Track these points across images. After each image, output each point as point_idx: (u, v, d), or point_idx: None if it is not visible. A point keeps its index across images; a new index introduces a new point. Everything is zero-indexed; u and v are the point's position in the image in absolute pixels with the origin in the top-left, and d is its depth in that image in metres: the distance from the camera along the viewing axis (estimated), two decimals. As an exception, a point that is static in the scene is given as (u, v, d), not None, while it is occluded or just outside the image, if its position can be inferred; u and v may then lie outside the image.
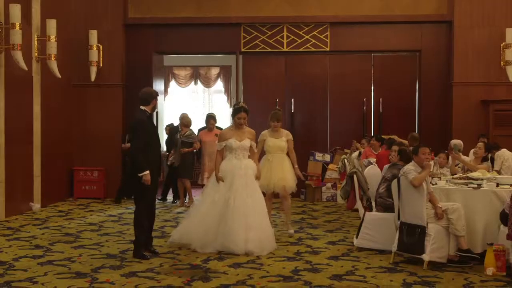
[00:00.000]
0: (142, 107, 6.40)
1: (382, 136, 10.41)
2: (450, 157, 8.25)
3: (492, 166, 8.49)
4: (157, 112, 11.56)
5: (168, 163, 10.65)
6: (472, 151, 8.72)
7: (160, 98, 11.90)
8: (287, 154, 7.74)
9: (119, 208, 10.25)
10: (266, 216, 6.87)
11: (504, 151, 8.66)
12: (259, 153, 7.53)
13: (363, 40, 11.63)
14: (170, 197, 11.29)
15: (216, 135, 10.32)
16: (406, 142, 9.24)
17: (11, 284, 5.29)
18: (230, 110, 14.10)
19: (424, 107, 11.61)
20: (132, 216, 9.31)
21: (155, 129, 6.58)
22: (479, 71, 11.10)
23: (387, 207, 6.70)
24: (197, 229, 6.68)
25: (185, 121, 10.53)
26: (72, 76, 11.31)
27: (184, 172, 10.37)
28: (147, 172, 6.19)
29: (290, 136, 7.81)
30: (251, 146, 6.97)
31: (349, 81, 11.78)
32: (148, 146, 6.27)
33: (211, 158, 10.19)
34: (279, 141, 7.67)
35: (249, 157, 6.96)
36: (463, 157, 8.33)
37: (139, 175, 6.18)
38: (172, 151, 10.57)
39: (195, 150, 10.41)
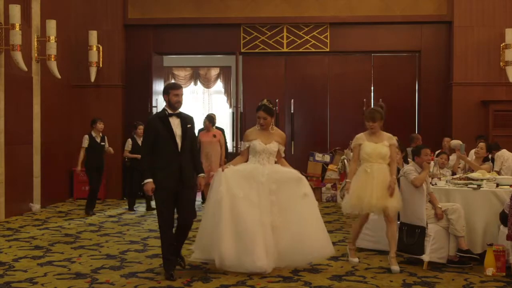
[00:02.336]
0: (164, 106, 5.70)
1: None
2: (448, 157, 8.24)
3: (493, 167, 8.48)
4: (157, 113, 11.58)
5: None
6: (473, 151, 8.71)
7: (159, 98, 11.91)
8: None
9: (118, 208, 10.25)
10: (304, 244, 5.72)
11: (504, 152, 8.66)
12: (355, 162, 6.08)
13: (363, 40, 11.64)
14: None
15: (214, 135, 10.37)
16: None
17: (11, 284, 5.29)
18: (230, 111, 14.23)
19: (424, 107, 11.61)
20: (132, 216, 9.41)
21: (169, 129, 5.50)
22: (479, 71, 11.10)
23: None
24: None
25: None
26: (71, 77, 11.32)
27: None
28: (149, 180, 5.45)
29: (394, 140, 6.18)
30: (278, 151, 5.97)
31: (349, 82, 11.78)
32: (160, 150, 5.47)
33: (207, 158, 10.19)
34: (380, 146, 6.00)
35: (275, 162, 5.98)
36: (469, 158, 8.34)
37: (142, 183, 5.53)
38: None
39: None
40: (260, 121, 5.94)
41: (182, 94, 5.63)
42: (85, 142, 9.54)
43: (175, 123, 5.54)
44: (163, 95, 5.65)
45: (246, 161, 5.97)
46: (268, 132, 5.97)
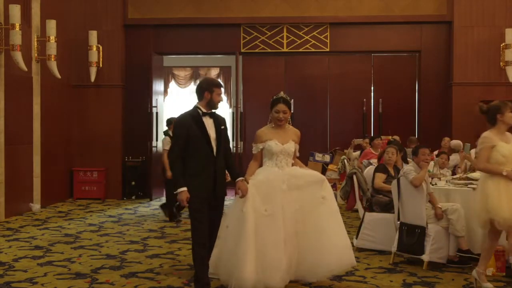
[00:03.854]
0: (196, 104, 4.98)
1: (382, 136, 10.41)
2: (448, 157, 8.24)
3: None
4: (157, 113, 11.59)
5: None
6: (473, 151, 8.71)
7: (159, 98, 11.92)
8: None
9: (118, 208, 10.25)
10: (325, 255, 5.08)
11: None
12: (484, 166, 4.95)
13: (362, 40, 11.64)
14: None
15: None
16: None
17: (11, 284, 5.29)
18: (230, 111, 14.23)
19: (424, 107, 11.62)
20: (132, 216, 9.40)
21: (203, 131, 4.82)
22: (479, 71, 11.10)
23: (383, 206, 6.74)
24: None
25: None
26: (71, 77, 11.32)
27: None
28: (183, 189, 4.70)
29: None
30: (294, 151, 5.35)
31: (349, 82, 11.79)
32: (193, 153, 4.79)
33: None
34: None
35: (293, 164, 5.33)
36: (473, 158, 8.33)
37: (174, 192, 4.82)
38: None
39: None
40: (279, 116, 5.25)
41: None
42: (168, 144, 8.57)
43: (209, 124, 4.87)
44: (203, 91, 4.87)
45: (260, 165, 5.30)
46: (284, 130, 5.33)
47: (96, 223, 8.72)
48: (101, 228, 8.26)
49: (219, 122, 4.95)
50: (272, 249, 4.88)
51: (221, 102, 4.95)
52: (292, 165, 5.28)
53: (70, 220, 8.99)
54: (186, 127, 4.79)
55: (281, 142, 5.22)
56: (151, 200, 11.21)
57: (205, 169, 4.79)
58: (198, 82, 5.17)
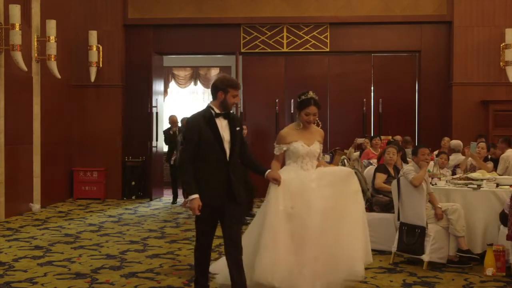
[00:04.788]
0: (210, 103, 4.61)
1: (382, 136, 10.41)
2: (448, 157, 8.23)
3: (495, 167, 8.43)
4: (157, 113, 11.59)
5: (172, 163, 10.73)
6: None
7: (159, 98, 11.92)
8: None
9: (118, 208, 10.25)
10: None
11: (509, 153, 8.52)
12: None
13: (363, 40, 11.64)
14: (170, 197, 11.32)
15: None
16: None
17: (11, 284, 5.29)
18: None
19: (424, 107, 11.61)
20: (132, 216, 9.40)
21: (216, 133, 4.44)
22: (479, 71, 11.10)
23: (383, 206, 6.74)
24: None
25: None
26: (71, 77, 11.32)
27: None
28: (195, 196, 4.34)
29: None
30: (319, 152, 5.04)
31: (349, 82, 11.78)
32: (204, 157, 4.42)
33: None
34: None
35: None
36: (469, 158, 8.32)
37: (185, 200, 4.75)
38: (174, 152, 10.75)
39: None
40: (309, 118, 4.93)
41: None
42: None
43: (223, 125, 4.49)
44: (217, 91, 4.51)
45: (281, 166, 4.98)
46: (309, 131, 5.01)
47: (96, 223, 8.72)
48: (101, 228, 8.26)
49: (234, 123, 4.55)
50: (287, 247, 4.60)
51: (236, 103, 4.55)
52: (316, 166, 4.99)
53: (70, 220, 8.99)
54: (197, 128, 4.43)
55: (307, 144, 4.91)
56: (151, 200, 11.21)
57: (216, 175, 4.43)
58: (215, 79, 4.83)
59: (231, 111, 4.57)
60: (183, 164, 4.46)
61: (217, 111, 4.49)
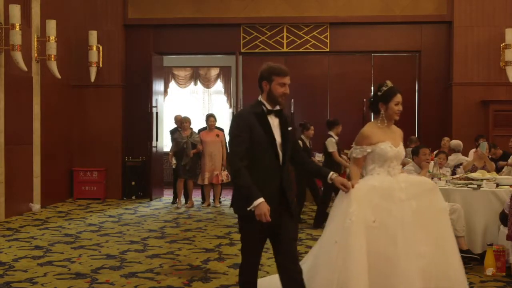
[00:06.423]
0: (259, 98, 3.90)
1: None
2: (446, 156, 8.22)
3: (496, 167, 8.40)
4: (157, 113, 11.58)
5: (173, 166, 10.60)
6: (472, 151, 8.70)
7: (159, 98, 11.92)
8: None
9: (118, 208, 10.25)
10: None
11: None
12: None
13: (363, 40, 11.64)
14: (170, 197, 11.31)
15: (217, 135, 10.39)
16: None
17: (11, 284, 5.29)
18: (230, 111, 14.20)
19: (424, 107, 11.62)
20: (132, 216, 9.40)
21: (269, 133, 3.75)
22: (479, 71, 11.10)
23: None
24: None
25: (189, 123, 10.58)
26: (71, 77, 11.32)
27: (193, 173, 10.41)
28: (260, 200, 3.57)
29: None
30: None
31: (349, 82, 11.79)
32: (254, 160, 3.70)
33: (211, 158, 10.27)
34: None
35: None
36: (468, 158, 8.32)
37: (247, 209, 3.60)
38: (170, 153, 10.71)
39: (199, 151, 10.43)
40: (400, 108, 4.29)
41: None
42: (333, 146, 8.97)
43: (275, 124, 3.81)
44: (261, 81, 3.87)
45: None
46: (392, 130, 4.32)
47: (96, 223, 8.72)
48: (101, 228, 8.26)
49: (286, 122, 3.86)
50: (386, 263, 3.90)
51: (285, 95, 3.85)
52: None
53: (70, 220, 9.00)
54: (249, 125, 3.71)
55: (394, 145, 4.22)
56: (151, 200, 11.21)
57: (269, 182, 3.71)
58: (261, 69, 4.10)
59: (282, 107, 3.87)
60: (237, 169, 3.67)
61: (269, 107, 3.81)
